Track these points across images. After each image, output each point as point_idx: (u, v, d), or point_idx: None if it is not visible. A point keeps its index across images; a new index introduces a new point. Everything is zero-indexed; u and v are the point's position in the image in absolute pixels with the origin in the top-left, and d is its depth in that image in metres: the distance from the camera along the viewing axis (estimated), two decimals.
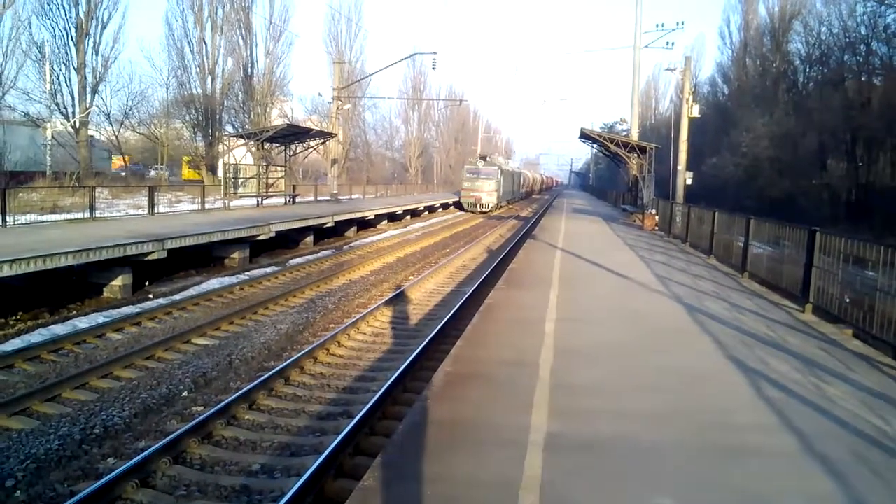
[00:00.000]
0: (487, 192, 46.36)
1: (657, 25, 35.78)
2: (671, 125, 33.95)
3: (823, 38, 44.94)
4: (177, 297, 13.74)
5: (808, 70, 49.63)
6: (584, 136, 34.35)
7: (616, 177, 66.41)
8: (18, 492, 5.57)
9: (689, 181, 29.40)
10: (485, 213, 45.94)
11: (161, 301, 13.27)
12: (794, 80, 51.34)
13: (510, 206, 57.91)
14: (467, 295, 13.57)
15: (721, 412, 5.80)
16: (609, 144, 31.85)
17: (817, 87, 45.82)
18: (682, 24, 35.33)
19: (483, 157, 49.82)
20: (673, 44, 43.97)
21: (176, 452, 6.24)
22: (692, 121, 29.75)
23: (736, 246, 15.83)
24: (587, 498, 4.13)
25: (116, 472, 5.60)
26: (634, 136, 36.17)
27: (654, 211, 28.30)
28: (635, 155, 30.95)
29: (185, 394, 8.02)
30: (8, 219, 17.27)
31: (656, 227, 27.24)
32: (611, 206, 50.84)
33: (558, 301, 10.39)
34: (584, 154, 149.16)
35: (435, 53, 39.78)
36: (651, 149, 29.94)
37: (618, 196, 50.16)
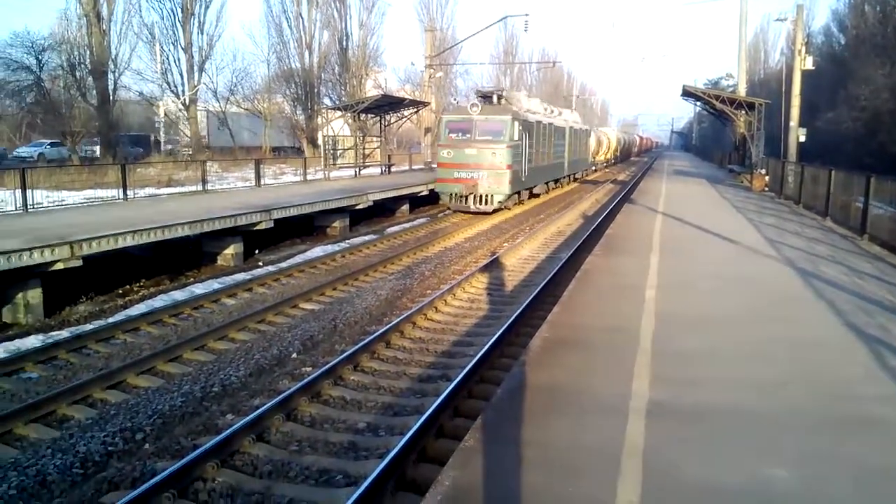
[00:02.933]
0: (490, 173, 22.14)
1: None
2: (782, 79, 31.78)
3: None
4: (284, 264, 14.38)
5: None
6: (687, 93, 32.79)
7: (721, 136, 63.10)
8: (147, 444, 6.07)
9: (801, 138, 27.53)
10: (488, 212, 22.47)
11: (270, 268, 13.92)
12: None
13: (567, 192, 33.49)
14: (563, 261, 13.42)
15: (838, 382, 5.51)
16: (714, 101, 30.27)
17: None
18: None
19: (486, 97, 23.85)
20: None
21: (288, 410, 6.59)
22: (805, 74, 27.74)
23: (854, 207, 14.78)
24: (693, 467, 4.05)
25: (234, 427, 6.00)
26: (742, 91, 34.21)
27: (763, 171, 26.80)
28: (743, 112, 29.29)
29: (294, 355, 8.43)
30: (129, 193, 18.54)
31: (766, 188, 25.82)
32: (716, 166, 48.50)
33: (659, 267, 10.10)
34: (686, 113, 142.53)
35: (527, 15, 38.83)
36: (760, 105, 28.19)
37: (723, 156, 47.78)
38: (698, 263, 10.62)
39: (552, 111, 31.85)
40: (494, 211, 22.36)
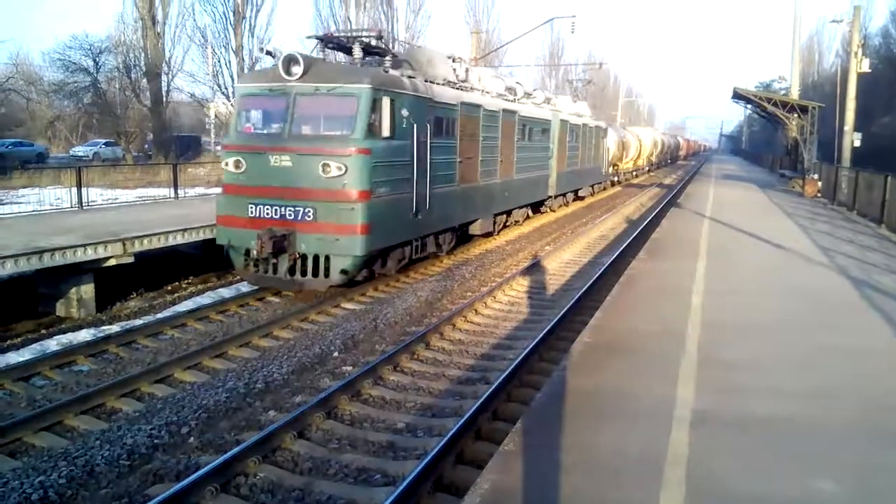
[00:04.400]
0: (322, 209, 10.10)
1: None
2: (836, 82, 30.83)
3: None
4: None
5: None
6: (737, 95, 32.08)
7: (773, 140, 61.63)
8: (192, 438, 6.19)
9: (857, 143, 26.64)
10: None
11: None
12: None
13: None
14: (605, 265, 13.25)
15: (891, 394, 5.30)
16: (765, 104, 29.58)
17: None
18: None
19: (328, 42, 12.03)
20: None
21: (329, 408, 6.66)
22: (861, 76, 26.86)
23: None
24: (738, 476, 3.94)
25: (277, 423, 6.08)
26: (794, 94, 33.32)
27: (816, 176, 26.07)
28: (795, 115, 28.52)
29: (335, 354, 8.51)
30: (179, 192, 19.01)
31: (819, 194, 25.08)
32: (766, 171, 47.31)
33: (706, 272, 9.88)
34: (736, 116, 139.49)
35: (574, 16, 38.47)
36: (813, 108, 27.43)
37: (774, 160, 46.62)
38: (746, 269, 10.35)
39: (525, 92, 19.41)
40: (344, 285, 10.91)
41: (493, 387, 6.81)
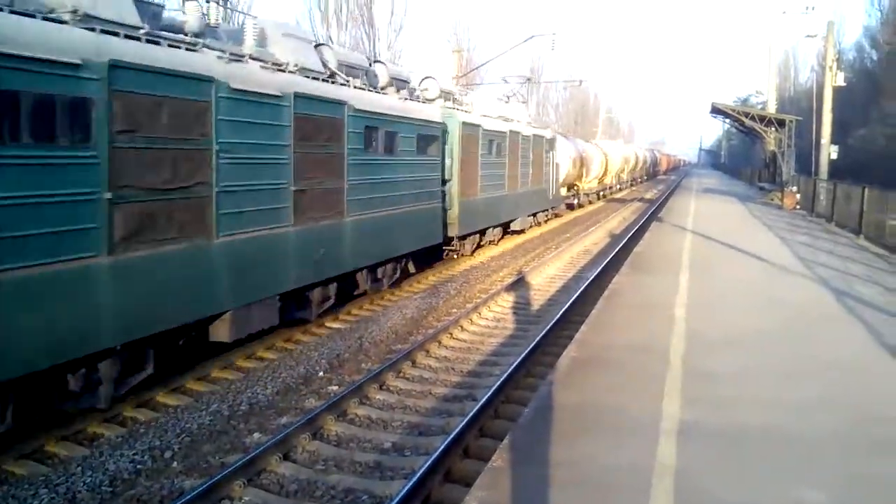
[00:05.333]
0: None
1: None
2: (813, 96, 31.43)
3: None
4: None
5: None
6: (716, 110, 32.62)
7: (751, 153, 62.53)
8: (176, 463, 6.10)
9: (833, 155, 27.10)
10: None
11: None
12: None
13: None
14: (589, 280, 13.31)
15: (873, 404, 5.36)
16: (743, 119, 30.10)
17: None
18: None
19: None
20: (814, 7, 40.59)
21: (314, 429, 6.59)
22: (836, 90, 27.38)
23: (889, 225, 14.49)
24: (726, 487, 3.95)
25: (262, 446, 6.01)
26: (771, 108, 33.92)
27: (794, 188, 26.47)
28: (773, 129, 29.03)
29: (321, 374, 8.44)
30: None
31: (797, 206, 25.44)
32: (745, 184, 47.93)
33: (689, 285, 9.96)
34: (714, 131, 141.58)
35: (554, 34, 38.94)
36: (791, 122, 27.94)
37: (753, 173, 47.28)
38: (728, 282, 10.45)
39: (400, 81, 13.36)
40: None
41: (480, 403, 6.79)
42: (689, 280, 10.35)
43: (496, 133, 17.66)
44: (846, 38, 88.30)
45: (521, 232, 21.06)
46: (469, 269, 15.83)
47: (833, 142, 27.50)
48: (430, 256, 14.82)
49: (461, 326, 10.43)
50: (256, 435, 6.63)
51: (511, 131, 18.98)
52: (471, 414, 6.52)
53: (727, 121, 37.39)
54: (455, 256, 16.32)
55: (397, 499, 4.89)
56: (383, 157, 11.35)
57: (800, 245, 14.71)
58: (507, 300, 12.37)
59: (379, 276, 12.03)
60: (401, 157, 12.01)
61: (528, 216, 21.59)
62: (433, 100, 14.97)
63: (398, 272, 12.89)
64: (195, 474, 5.82)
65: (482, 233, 17.48)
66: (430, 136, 13.38)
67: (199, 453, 6.25)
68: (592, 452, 4.42)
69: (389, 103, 11.67)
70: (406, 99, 12.64)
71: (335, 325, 10.74)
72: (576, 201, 31.38)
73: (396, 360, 8.47)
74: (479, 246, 17.62)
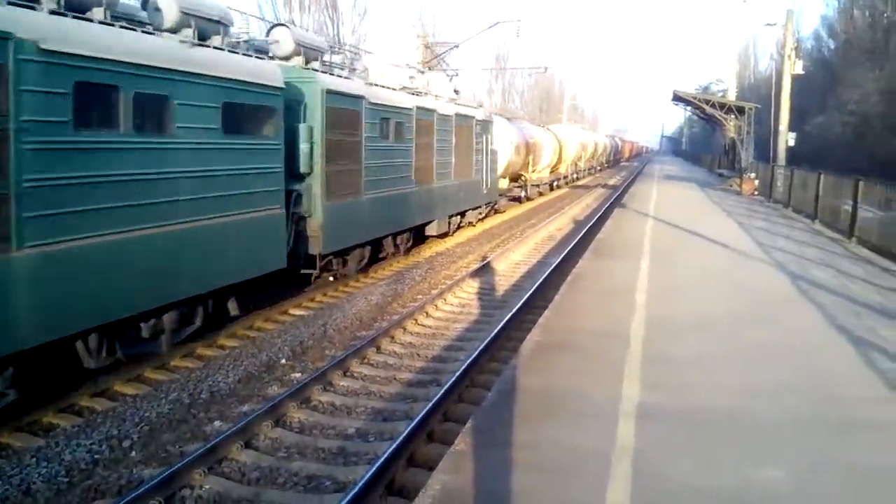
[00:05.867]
0: None
1: None
2: (772, 84, 32.04)
3: None
4: None
5: None
6: (677, 98, 33.03)
7: (711, 141, 63.55)
8: (134, 452, 5.99)
9: (791, 143, 27.69)
10: None
11: None
12: None
13: None
14: (553, 266, 13.42)
15: (829, 385, 5.51)
16: (704, 106, 30.53)
17: None
18: None
19: None
20: None
21: (277, 416, 6.53)
22: (795, 79, 27.91)
23: (843, 210, 14.88)
24: (683, 468, 4.03)
25: (223, 434, 5.93)
26: (732, 96, 34.46)
27: (753, 175, 26.98)
28: (732, 116, 29.52)
29: (283, 361, 8.36)
30: None
31: (756, 192, 25.96)
32: (706, 171, 48.74)
33: (650, 271, 10.10)
34: (676, 119, 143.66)
35: (519, 20, 38.89)
36: (750, 109, 28.45)
37: (713, 160, 48.04)
38: (688, 267, 10.63)
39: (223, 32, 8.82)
40: None
41: (444, 388, 6.81)
42: (651, 265, 10.50)
43: (394, 109, 13.32)
44: (805, 27, 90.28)
45: (445, 236, 17.25)
46: (434, 255, 15.83)
47: (791, 129, 28.09)
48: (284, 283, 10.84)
49: (426, 312, 10.43)
50: (217, 423, 6.55)
51: (420, 108, 14.58)
52: (435, 399, 6.53)
53: (688, 108, 37.94)
54: (332, 279, 11.98)
55: (360, 484, 4.88)
56: (130, 139, 6.97)
57: (758, 230, 15.03)
58: (473, 286, 12.41)
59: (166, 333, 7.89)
60: (177, 138, 7.63)
61: (454, 216, 17.49)
62: (287, 58, 11.05)
63: (189, 326, 8.33)
64: (154, 463, 5.73)
65: (376, 244, 13.20)
66: (256, 109, 9.07)
67: (158, 442, 6.15)
68: (554, 435, 4.46)
69: (139, 46, 7.09)
70: (192, 44, 7.94)
71: (298, 311, 10.65)
72: (523, 194, 27.81)
73: (361, 347, 8.43)
74: (375, 261, 13.49)
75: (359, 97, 11.92)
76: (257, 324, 9.88)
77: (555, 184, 35.00)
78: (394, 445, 5.51)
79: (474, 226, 19.83)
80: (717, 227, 15.44)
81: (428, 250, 16.31)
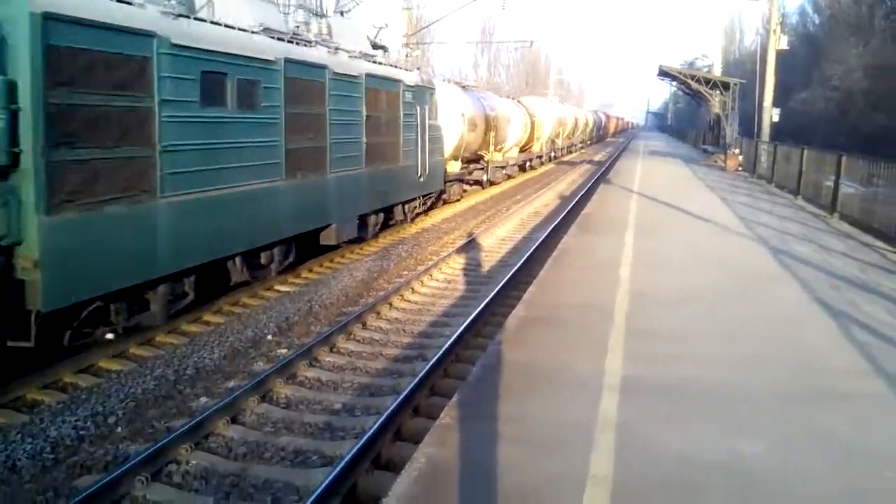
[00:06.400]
0: None
1: None
2: (757, 59, 32.05)
3: None
4: None
5: None
6: (663, 73, 32.98)
7: (696, 116, 63.61)
8: (120, 428, 5.98)
9: (775, 118, 27.78)
10: None
11: None
12: (893, 5, 47.24)
13: None
14: (539, 241, 13.46)
15: (809, 357, 5.60)
16: (689, 81, 30.51)
17: None
18: None
19: None
20: None
21: (263, 391, 6.55)
22: (780, 54, 27.93)
23: (826, 186, 15.01)
24: (665, 440, 4.09)
25: (209, 409, 5.94)
26: (717, 71, 34.48)
27: (737, 150, 27.10)
28: (718, 92, 29.54)
29: (269, 337, 8.36)
30: None
31: (740, 168, 26.10)
32: (690, 147, 48.88)
33: (634, 246, 10.16)
34: (662, 94, 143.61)
35: None
36: (735, 85, 28.48)
37: (698, 136, 48.18)
38: (672, 242, 10.70)
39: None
40: None
41: (430, 363, 6.85)
42: (635, 241, 10.56)
43: (235, 59, 8.73)
44: (790, 1, 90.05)
45: (361, 241, 13.38)
46: (421, 231, 15.81)
47: (775, 104, 28.16)
48: None
49: (412, 288, 10.45)
50: (203, 399, 6.55)
51: (293, 61, 10.01)
52: (421, 373, 6.57)
53: (674, 84, 37.92)
54: (110, 337, 7.71)
55: (347, 458, 4.92)
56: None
57: (741, 206, 15.13)
58: (459, 262, 12.43)
59: None
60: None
61: (369, 215, 13.23)
62: None
63: None
64: (140, 439, 5.74)
65: (198, 276, 8.52)
66: None
67: (143, 418, 6.15)
68: (539, 408, 4.51)
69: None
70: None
71: (284, 287, 10.62)
72: (484, 177, 23.73)
73: (347, 322, 8.45)
74: (191, 302, 8.59)
75: (143, 33, 7.17)
76: (243, 300, 9.85)
77: (527, 164, 31.33)
78: (380, 420, 5.55)
79: (410, 223, 16.18)
80: (701, 202, 15.53)
81: (413, 227, 16.28)
